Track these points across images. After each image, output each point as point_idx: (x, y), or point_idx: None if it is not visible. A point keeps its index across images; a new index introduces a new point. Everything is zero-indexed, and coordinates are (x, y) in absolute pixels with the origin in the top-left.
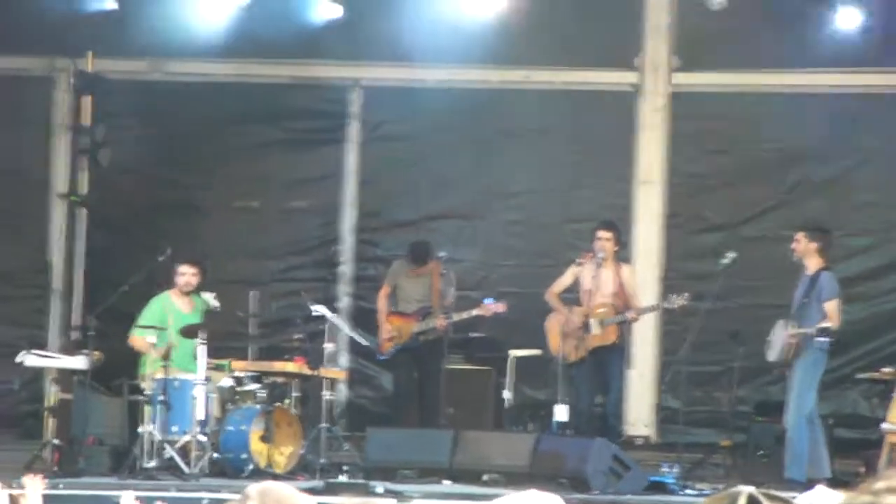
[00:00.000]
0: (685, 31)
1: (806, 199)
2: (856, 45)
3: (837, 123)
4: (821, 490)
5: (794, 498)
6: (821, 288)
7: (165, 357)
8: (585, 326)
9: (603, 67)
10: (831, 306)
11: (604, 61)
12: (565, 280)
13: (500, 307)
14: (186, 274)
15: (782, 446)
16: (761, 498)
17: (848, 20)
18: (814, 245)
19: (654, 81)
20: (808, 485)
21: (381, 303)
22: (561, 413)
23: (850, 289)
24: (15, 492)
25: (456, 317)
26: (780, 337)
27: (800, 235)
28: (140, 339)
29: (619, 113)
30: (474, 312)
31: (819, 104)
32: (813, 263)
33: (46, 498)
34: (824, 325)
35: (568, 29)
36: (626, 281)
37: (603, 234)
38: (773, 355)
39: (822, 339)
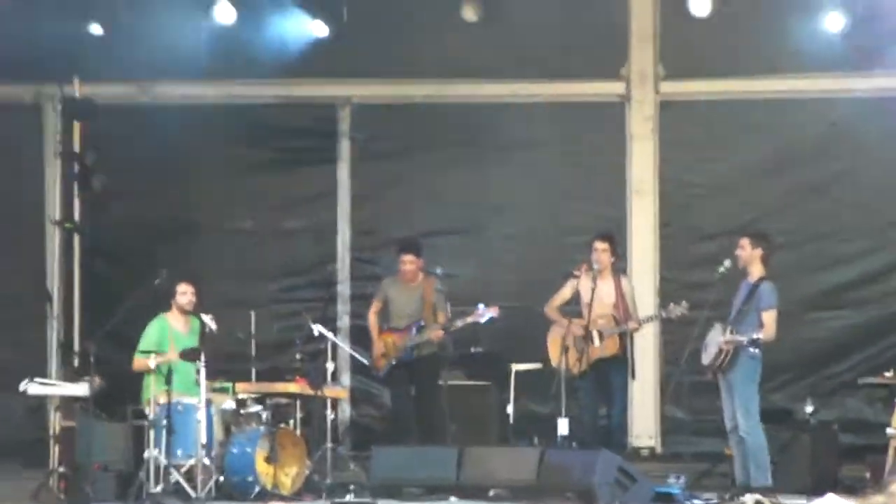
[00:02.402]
0: (670, 40)
1: (798, 204)
2: (841, 50)
3: (827, 128)
4: (831, 498)
5: None
6: (759, 297)
7: (167, 381)
8: (587, 338)
9: (590, 79)
10: (768, 316)
11: (590, 72)
12: (564, 293)
13: (492, 311)
14: (188, 292)
15: (788, 453)
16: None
17: (833, 25)
18: (758, 252)
19: (642, 91)
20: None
21: (372, 319)
22: (563, 427)
23: (849, 293)
24: None
25: (451, 327)
26: (716, 342)
27: (744, 242)
28: (143, 360)
29: (608, 124)
30: (469, 319)
31: (807, 109)
32: (755, 271)
33: None
34: (756, 335)
35: (554, 41)
36: (626, 292)
37: (599, 245)
38: (706, 359)
39: (752, 349)
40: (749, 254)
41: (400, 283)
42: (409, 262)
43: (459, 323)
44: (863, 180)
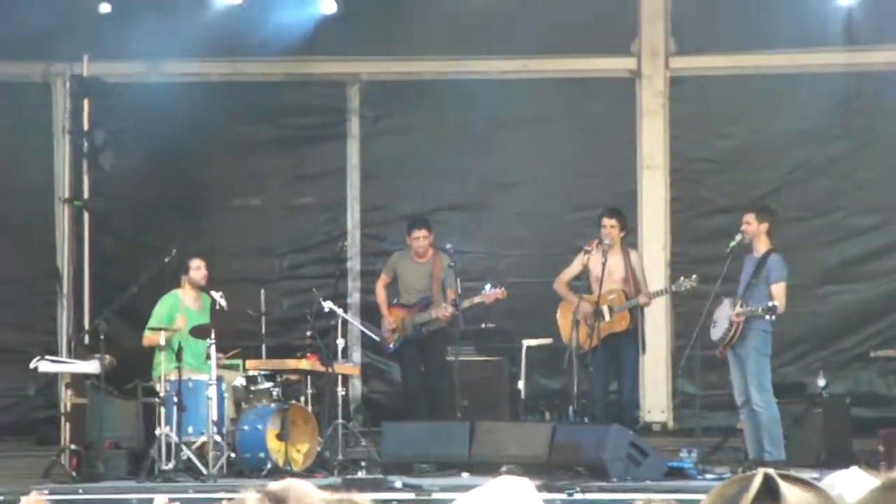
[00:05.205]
0: (681, 15)
1: (809, 179)
2: (855, 23)
3: (838, 103)
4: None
5: (815, 479)
6: (769, 270)
7: (178, 358)
8: (597, 314)
9: (600, 54)
10: (778, 288)
11: (601, 48)
12: (573, 268)
13: (499, 293)
14: (201, 267)
15: (800, 427)
16: (778, 479)
17: None
18: (764, 226)
19: (653, 66)
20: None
21: (381, 292)
22: (575, 402)
23: (858, 268)
24: None
25: (459, 306)
26: (725, 316)
27: (749, 217)
28: (153, 335)
29: (619, 99)
30: (476, 300)
31: (819, 84)
32: (762, 244)
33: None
34: (771, 304)
35: (564, 16)
36: (635, 266)
37: (607, 221)
38: (716, 333)
39: (768, 317)
40: (755, 228)
41: (410, 259)
42: (422, 236)
43: (466, 304)
44: (875, 155)
